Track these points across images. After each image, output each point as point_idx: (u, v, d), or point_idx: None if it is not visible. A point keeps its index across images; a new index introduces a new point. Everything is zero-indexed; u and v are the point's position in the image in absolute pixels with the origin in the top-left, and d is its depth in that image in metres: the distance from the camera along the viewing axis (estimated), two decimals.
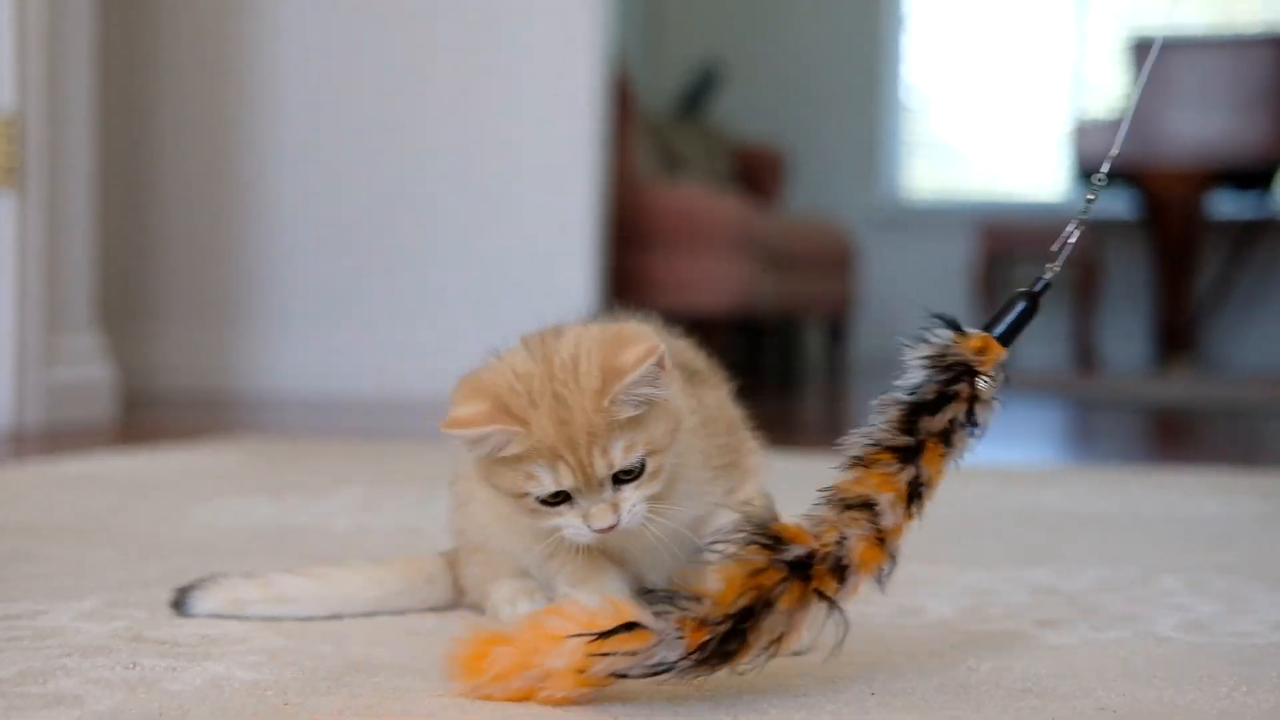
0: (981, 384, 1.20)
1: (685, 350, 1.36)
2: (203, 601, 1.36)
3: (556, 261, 4.57)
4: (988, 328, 1.25)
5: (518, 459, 1.18)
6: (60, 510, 2.11)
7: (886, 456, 1.19)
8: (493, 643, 1.09)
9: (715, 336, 4.63)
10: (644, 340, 1.20)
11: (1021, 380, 6.19)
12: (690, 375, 1.32)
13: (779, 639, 1.09)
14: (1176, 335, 6.70)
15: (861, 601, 1.50)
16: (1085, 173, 6.91)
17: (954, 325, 1.22)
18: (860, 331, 8.03)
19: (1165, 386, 5.78)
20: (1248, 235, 7.52)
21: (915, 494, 1.20)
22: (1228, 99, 6.57)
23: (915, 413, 1.20)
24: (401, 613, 1.41)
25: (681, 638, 1.06)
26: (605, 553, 1.29)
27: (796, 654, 1.15)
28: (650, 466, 1.21)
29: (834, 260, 6.79)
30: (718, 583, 1.08)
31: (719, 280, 5.16)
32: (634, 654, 1.06)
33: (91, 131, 3.68)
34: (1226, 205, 7.47)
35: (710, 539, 1.13)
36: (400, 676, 1.17)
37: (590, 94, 4.59)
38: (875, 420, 1.21)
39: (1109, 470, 3.01)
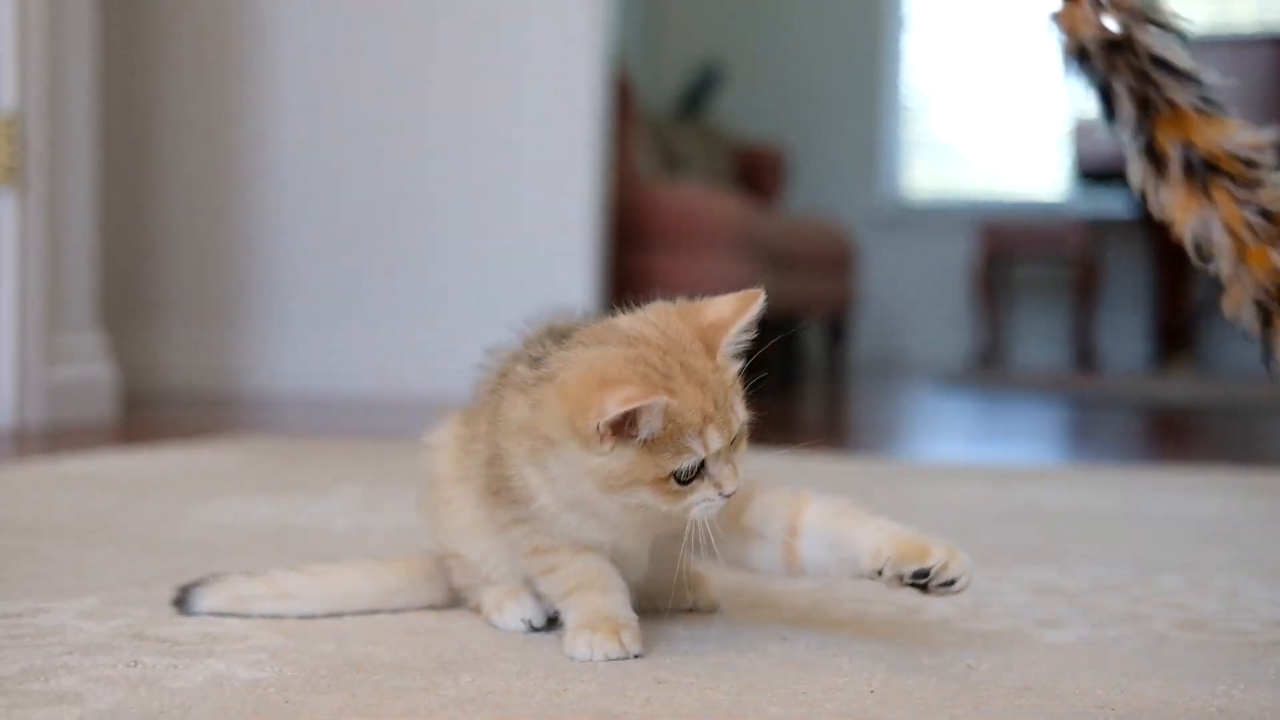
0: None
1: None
2: (205, 599, 1.37)
3: (557, 261, 4.57)
4: None
5: (669, 437, 1.16)
6: (61, 509, 2.11)
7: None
8: None
9: None
10: (731, 296, 1.23)
11: (1021, 380, 6.19)
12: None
13: None
14: (1176, 335, 6.70)
15: (862, 601, 1.51)
16: (1085, 173, 6.91)
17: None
18: (860, 331, 8.03)
19: (1165, 386, 5.78)
20: None
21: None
22: (1228, 99, 6.56)
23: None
24: (401, 611, 1.41)
25: None
26: (611, 558, 1.29)
27: None
28: (743, 433, 1.22)
29: (834, 260, 6.79)
30: None
31: (719, 280, 5.16)
32: None
33: (92, 131, 3.69)
34: None
35: None
36: (400, 675, 1.17)
37: (590, 94, 4.59)
38: None
39: (1109, 469, 3.01)
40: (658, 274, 5.17)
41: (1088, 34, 1.11)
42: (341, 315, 4.70)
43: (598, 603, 1.26)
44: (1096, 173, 6.85)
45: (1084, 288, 7.37)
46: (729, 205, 5.34)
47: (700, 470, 1.18)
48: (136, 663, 1.19)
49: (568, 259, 4.57)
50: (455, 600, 1.43)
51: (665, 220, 5.20)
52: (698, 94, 7.78)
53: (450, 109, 4.66)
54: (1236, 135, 1.11)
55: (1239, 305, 1.10)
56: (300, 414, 4.15)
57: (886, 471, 2.88)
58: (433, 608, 1.43)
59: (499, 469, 1.27)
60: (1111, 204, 7.84)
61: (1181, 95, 1.11)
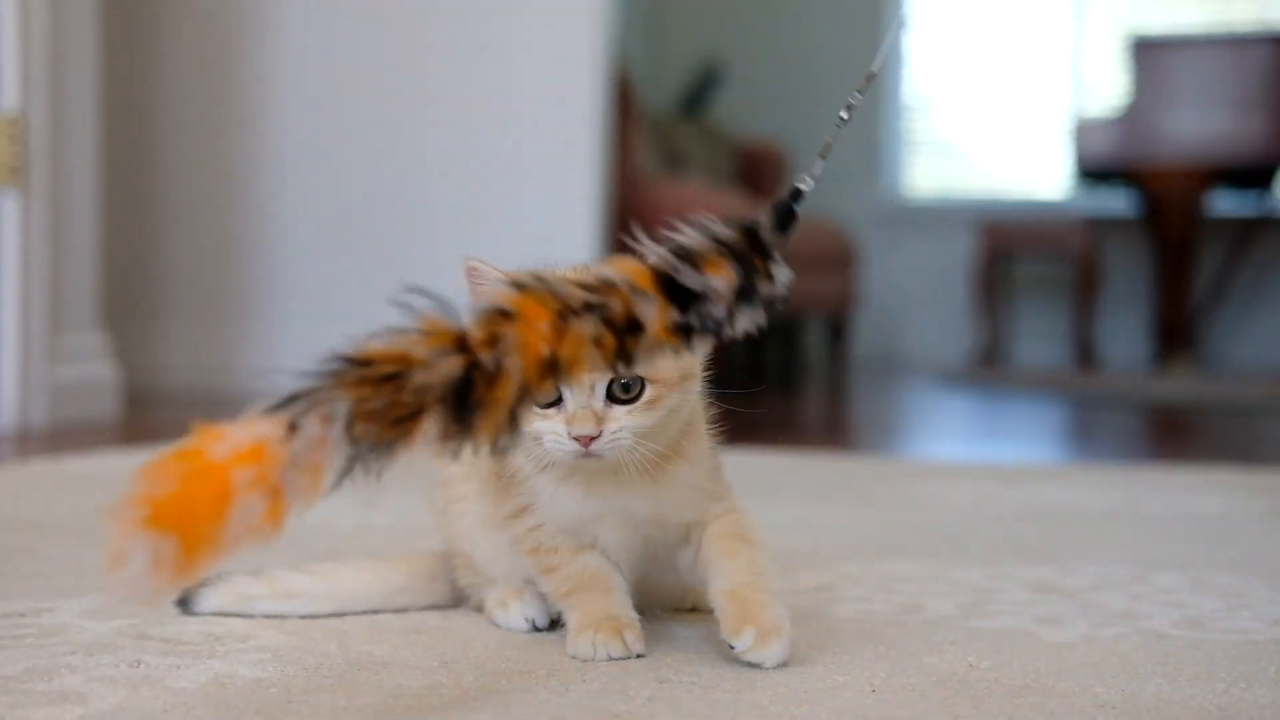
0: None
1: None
2: (208, 599, 1.37)
3: (558, 260, 4.57)
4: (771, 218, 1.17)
5: None
6: (64, 508, 2.11)
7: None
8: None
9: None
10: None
11: (1022, 378, 6.19)
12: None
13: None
14: (1176, 333, 6.70)
15: (863, 600, 1.51)
16: (1085, 171, 6.91)
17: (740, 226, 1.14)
18: (861, 330, 8.03)
19: (1165, 384, 5.78)
20: (1247, 233, 7.52)
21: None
22: (1227, 98, 6.57)
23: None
24: (404, 610, 1.42)
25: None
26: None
27: None
28: (649, 394, 1.20)
29: (835, 258, 6.79)
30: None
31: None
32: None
33: (94, 131, 3.69)
34: (1226, 203, 7.47)
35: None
36: (403, 674, 1.17)
37: (591, 92, 4.59)
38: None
39: (1108, 468, 3.01)
40: None
41: None
42: (343, 314, 4.70)
43: (600, 602, 1.27)
44: (1097, 171, 6.85)
45: (1084, 286, 7.37)
46: (729, 204, 5.34)
47: (560, 404, 1.19)
48: (139, 662, 1.19)
49: (569, 257, 4.57)
50: (458, 599, 1.44)
51: (667, 219, 5.19)
52: (699, 92, 7.78)
53: (451, 108, 4.66)
54: None
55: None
56: None
57: (887, 470, 2.88)
58: (435, 607, 1.43)
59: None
60: (1112, 203, 7.84)
61: None
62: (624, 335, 1.01)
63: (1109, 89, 8.00)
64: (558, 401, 1.19)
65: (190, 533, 0.93)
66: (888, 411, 4.99)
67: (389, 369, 0.98)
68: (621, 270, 1.06)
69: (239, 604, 1.37)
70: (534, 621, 1.34)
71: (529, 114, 4.62)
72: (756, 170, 7.26)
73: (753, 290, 1.08)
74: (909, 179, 8.52)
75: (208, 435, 0.95)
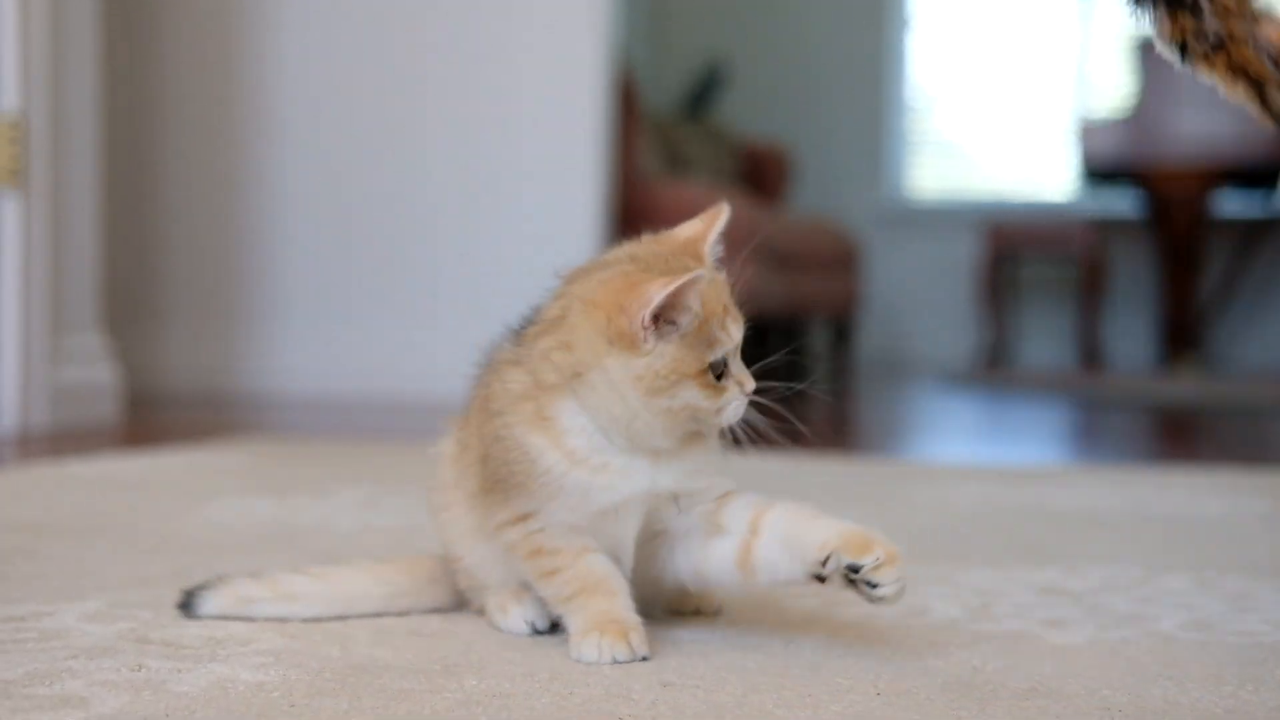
0: None
1: None
2: (209, 602, 1.36)
3: (561, 262, 4.56)
4: None
5: (700, 328, 1.20)
6: (65, 511, 2.11)
7: None
8: None
9: None
10: (697, 218, 1.32)
11: (1027, 379, 6.19)
12: None
13: None
14: (1182, 334, 6.69)
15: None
16: (1090, 172, 6.91)
17: None
18: (866, 331, 8.03)
19: (1170, 385, 5.78)
20: (1253, 234, 7.51)
21: None
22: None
23: None
24: (406, 613, 1.41)
25: None
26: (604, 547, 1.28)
27: None
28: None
29: (839, 260, 6.78)
30: None
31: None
32: None
33: (95, 133, 3.69)
34: (1232, 204, 7.47)
35: None
36: (405, 678, 1.17)
37: (594, 93, 4.59)
38: None
39: (1114, 470, 3.00)
40: None
41: None
42: (344, 316, 4.70)
43: (603, 606, 1.26)
44: (1102, 172, 6.84)
45: (1090, 287, 7.37)
46: (734, 205, 5.34)
47: (725, 371, 1.23)
48: (141, 666, 1.19)
49: (572, 259, 4.56)
50: (460, 602, 1.43)
51: (670, 220, 5.16)
52: (702, 93, 7.78)
53: (453, 110, 4.66)
54: None
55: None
56: (303, 415, 4.15)
57: (892, 471, 2.88)
58: (437, 610, 1.43)
59: (492, 463, 1.27)
60: (1117, 203, 7.83)
61: None
62: None
63: (1114, 89, 8.00)
64: (721, 373, 1.23)
65: None
66: (892, 413, 4.99)
67: None
68: None
69: (240, 607, 1.36)
70: (534, 624, 1.33)
71: (531, 115, 4.61)
72: (760, 171, 7.26)
73: None
74: (913, 180, 8.52)
75: None
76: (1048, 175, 8.32)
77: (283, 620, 1.36)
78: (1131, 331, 7.87)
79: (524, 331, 1.31)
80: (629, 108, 5.29)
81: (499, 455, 1.27)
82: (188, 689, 1.12)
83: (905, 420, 4.75)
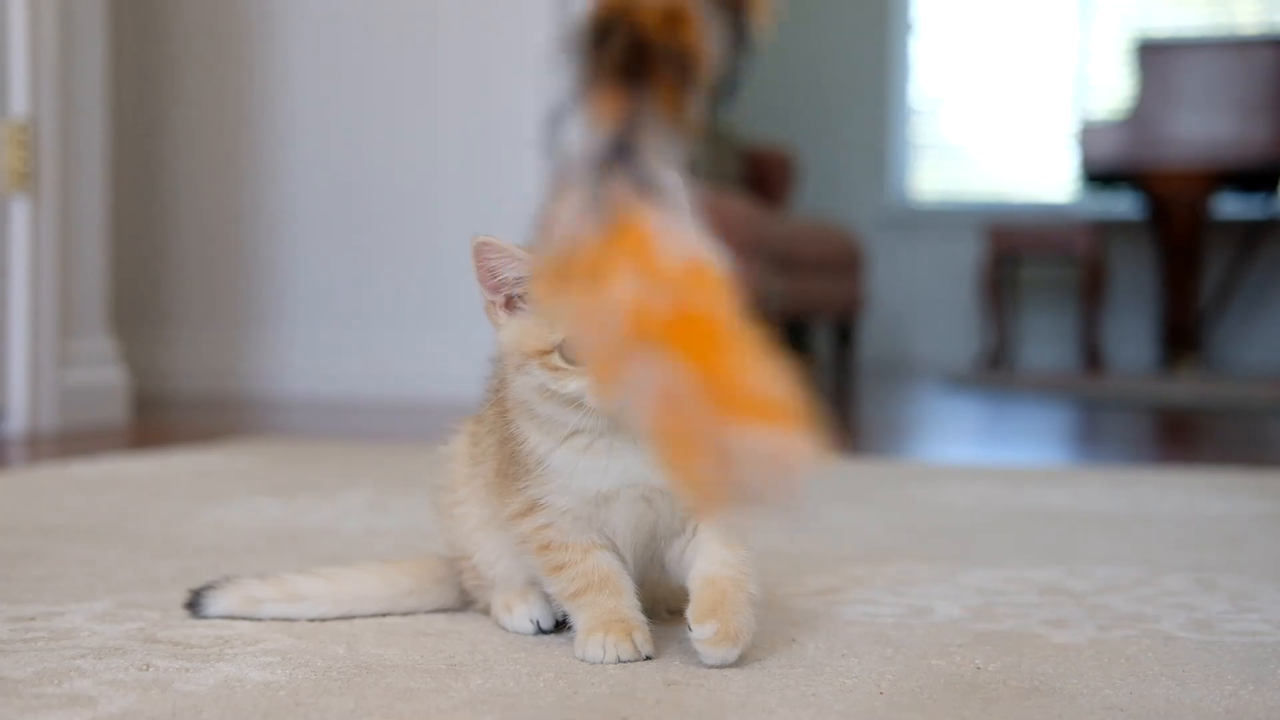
0: None
1: None
2: (217, 602, 1.37)
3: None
4: None
5: (541, 306, 1.20)
6: (73, 512, 2.12)
7: None
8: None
9: None
10: None
11: (1028, 381, 6.19)
12: None
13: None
14: (1182, 335, 6.69)
15: (871, 602, 1.51)
16: (1091, 174, 6.90)
17: None
18: (868, 333, 8.03)
19: (1171, 387, 5.78)
20: (1253, 236, 7.51)
21: None
22: (1233, 100, 6.56)
23: None
24: (412, 613, 1.42)
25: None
26: (604, 538, 1.29)
27: None
28: None
29: (842, 262, 6.79)
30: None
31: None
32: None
33: (104, 137, 3.70)
34: (1232, 206, 7.47)
35: None
36: (411, 677, 1.18)
37: None
38: None
39: (1115, 470, 3.01)
40: None
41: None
42: (351, 319, 4.71)
43: (609, 604, 1.26)
44: (1103, 174, 6.84)
45: (1091, 289, 7.37)
46: (737, 207, 5.34)
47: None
48: (149, 665, 1.19)
49: None
50: (466, 602, 1.44)
51: None
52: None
53: (458, 114, 4.67)
54: None
55: None
56: (310, 417, 4.16)
57: (894, 472, 2.88)
58: (443, 610, 1.43)
59: (506, 448, 1.29)
60: (1118, 205, 7.83)
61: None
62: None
63: (1114, 91, 8.00)
64: (563, 359, 1.22)
65: None
66: (894, 414, 4.99)
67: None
68: None
69: (247, 607, 1.37)
70: (539, 623, 1.34)
71: (536, 119, 4.62)
72: (764, 174, 7.26)
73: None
74: (915, 182, 8.52)
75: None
76: (1048, 177, 8.32)
77: (289, 620, 1.37)
78: (1132, 332, 7.87)
79: None
80: None
81: (501, 437, 1.31)
82: (195, 688, 1.13)
83: (908, 421, 4.75)
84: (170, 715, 1.06)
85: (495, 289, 1.25)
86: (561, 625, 1.33)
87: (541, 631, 1.34)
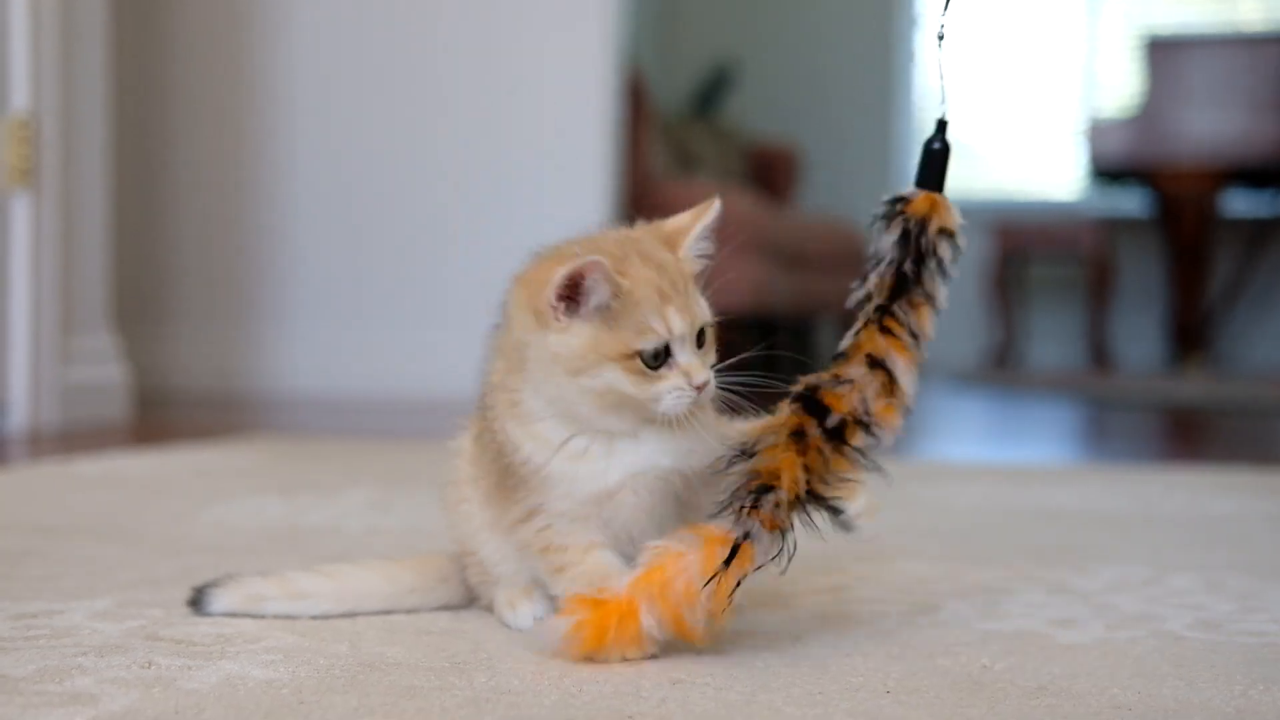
0: (946, 238, 1.33)
1: None
2: (219, 600, 1.37)
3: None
4: (923, 185, 1.36)
5: (627, 313, 1.19)
6: (75, 510, 2.11)
7: (891, 322, 1.31)
8: (608, 612, 1.17)
9: (728, 335, 4.63)
10: (690, 210, 1.30)
11: (1035, 379, 6.18)
12: None
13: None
14: (1190, 334, 6.69)
15: (877, 601, 1.51)
16: (1099, 172, 6.90)
17: (897, 199, 1.33)
18: None
19: (1179, 385, 5.77)
20: (1261, 233, 7.50)
21: (916, 345, 1.35)
22: (1241, 98, 6.55)
23: (900, 279, 1.31)
24: (415, 611, 1.41)
25: (769, 530, 1.18)
26: (612, 534, 1.28)
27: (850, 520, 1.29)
28: (708, 336, 1.25)
29: (848, 259, 6.78)
30: (771, 462, 1.20)
31: (732, 279, 5.15)
32: (745, 572, 1.17)
33: (105, 133, 3.70)
34: (1240, 204, 7.45)
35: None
36: (414, 675, 1.17)
37: (604, 94, 4.59)
38: (866, 290, 1.30)
39: (1123, 470, 3.00)
40: None
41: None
42: (353, 316, 4.71)
43: None
44: (1111, 172, 6.83)
45: (1098, 287, 7.36)
46: (743, 205, 5.34)
47: (669, 360, 1.21)
48: (151, 663, 1.19)
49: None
50: (469, 600, 1.43)
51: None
52: (711, 93, 7.77)
53: (462, 111, 4.67)
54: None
55: None
56: (312, 414, 4.16)
57: (900, 471, 2.88)
58: (446, 608, 1.43)
59: (500, 459, 1.28)
60: (1126, 203, 7.82)
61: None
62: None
63: (1122, 89, 7.98)
64: (665, 360, 1.21)
65: None
66: None
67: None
68: None
69: (250, 604, 1.36)
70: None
71: (541, 115, 4.62)
72: (769, 170, 7.26)
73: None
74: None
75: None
76: (1056, 175, 8.31)
77: (292, 618, 1.36)
78: (1140, 331, 7.85)
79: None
80: (638, 107, 5.29)
81: (496, 450, 1.29)
82: (198, 686, 1.12)
83: (914, 419, 4.75)
84: (172, 713, 1.05)
85: (575, 300, 1.20)
86: None
87: None
